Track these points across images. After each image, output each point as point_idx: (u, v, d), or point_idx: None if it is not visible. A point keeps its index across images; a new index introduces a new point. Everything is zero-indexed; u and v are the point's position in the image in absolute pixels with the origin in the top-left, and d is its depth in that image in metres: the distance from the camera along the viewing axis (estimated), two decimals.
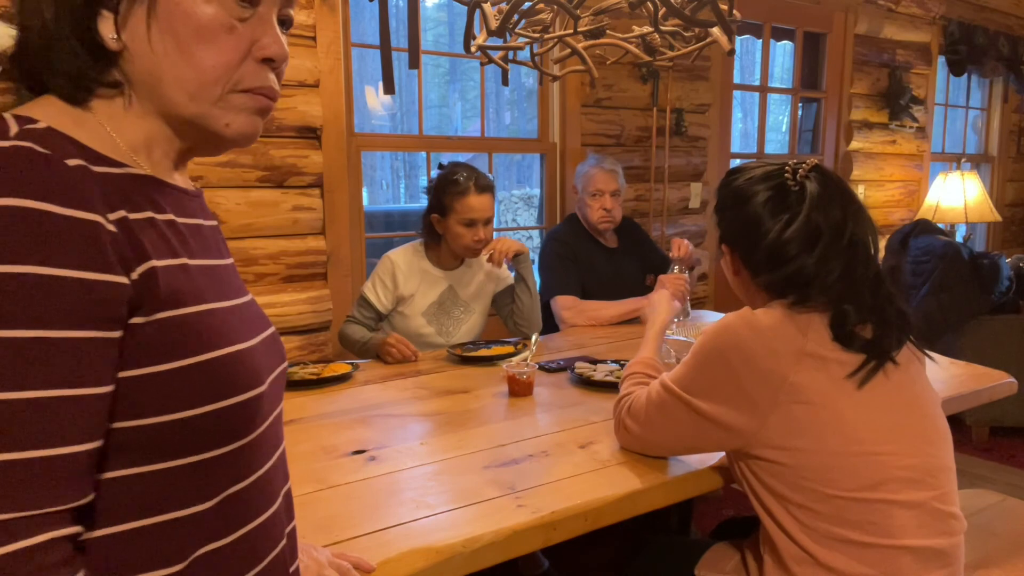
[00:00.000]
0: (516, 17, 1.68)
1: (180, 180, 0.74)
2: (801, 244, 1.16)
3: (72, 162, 0.59)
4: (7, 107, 0.61)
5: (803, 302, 1.15)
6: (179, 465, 0.63)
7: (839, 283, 1.14)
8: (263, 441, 0.72)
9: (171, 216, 0.69)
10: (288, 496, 0.79)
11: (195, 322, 0.65)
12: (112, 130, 0.67)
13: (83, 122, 0.66)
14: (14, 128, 0.59)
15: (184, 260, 0.67)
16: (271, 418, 0.75)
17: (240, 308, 0.74)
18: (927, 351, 1.24)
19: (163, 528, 0.63)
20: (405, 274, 2.24)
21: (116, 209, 0.61)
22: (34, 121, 0.60)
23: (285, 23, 0.73)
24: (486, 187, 2.21)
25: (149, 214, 0.66)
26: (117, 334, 0.59)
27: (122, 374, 0.60)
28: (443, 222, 2.21)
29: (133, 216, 0.63)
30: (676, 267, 2.42)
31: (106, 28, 0.64)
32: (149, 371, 0.61)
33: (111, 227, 0.59)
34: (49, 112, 0.64)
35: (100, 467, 0.60)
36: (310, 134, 2.49)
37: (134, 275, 0.60)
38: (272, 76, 0.70)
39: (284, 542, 0.76)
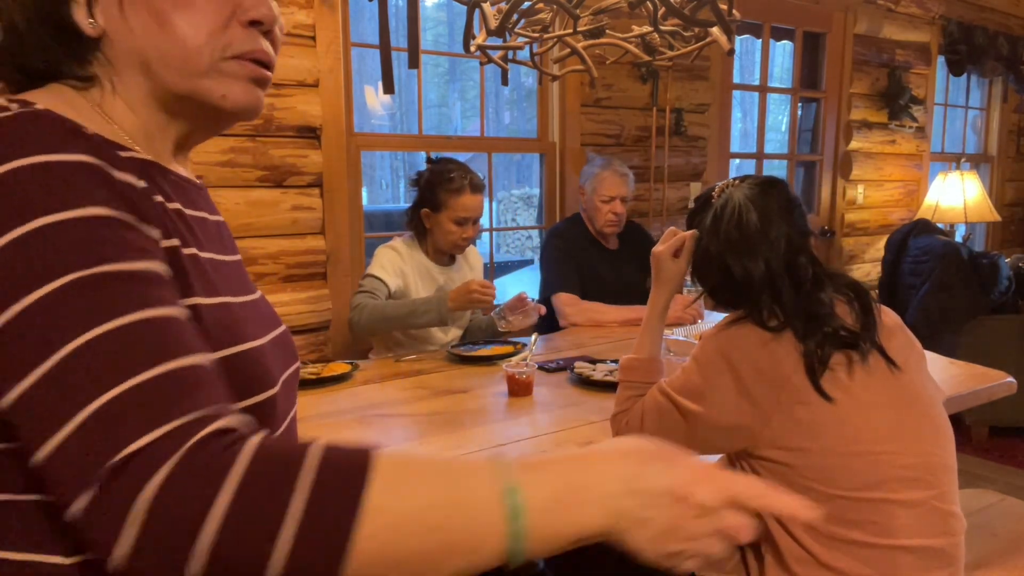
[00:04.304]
0: (515, 17, 1.68)
1: (182, 170, 0.71)
2: (697, 268, 1.35)
3: (89, 131, 0.56)
4: None
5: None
6: None
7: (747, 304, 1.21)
8: None
9: (178, 205, 0.66)
10: None
11: (208, 315, 0.61)
12: (107, 119, 0.64)
13: (79, 108, 0.62)
14: (14, 107, 0.55)
15: (194, 250, 0.64)
16: (286, 421, 0.72)
17: (249, 305, 0.71)
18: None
19: None
20: (407, 265, 2.23)
21: (140, 179, 0.59)
22: (31, 104, 0.57)
23: None
24: (480, 187, 2.24)
25: (160, 199, 0.62)
26: (169, 278, 0.56)
27: None
28: (434, 217, 2.22)
29: (153, 197, 0.61)
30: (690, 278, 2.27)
31: (80, 14, 0.61)
32: None
33: (141, 187, 0.57)
34: (42, 97, 0.60)
35: None
36: (309, 134, 2.49)
37: (163, 244, 0.58)
38: (264, 41, 0.67)
39: None
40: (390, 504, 0.50)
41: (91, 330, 0.49)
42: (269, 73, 0.68)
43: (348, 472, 0.50)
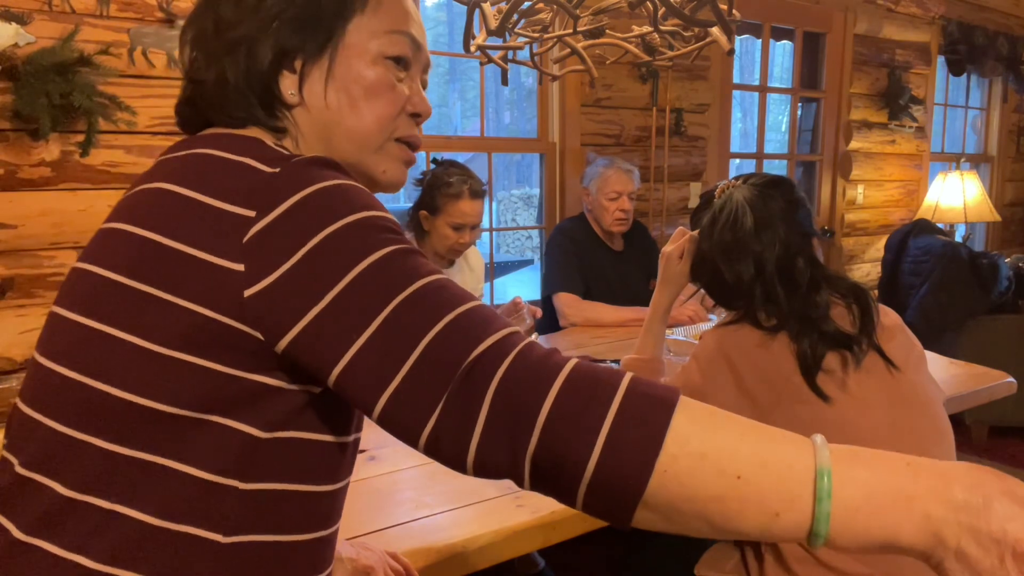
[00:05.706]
0: (516, 17, 1.68)
1: None
2: (694, 268, 1.38)
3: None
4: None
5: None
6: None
7: (746, 304, 1.22)
8: None
9: None
10: None
11: None
12: None
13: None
14: (286, 151, 0.67)
15: None
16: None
17: None
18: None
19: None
20: None
21: None
22: (293, 155, 0.67)
23: (423, 85, 0.83)
24: (479, 193, 2.21)
25: None
26: None
27: None
28: (431, 220, 2.21)
29: None
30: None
31: (287, 86, 0.73)
32: None
33: None
34: (267, 138, 0.70)
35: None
36: None
37: None
38: (417, 129, 0.81)
39: None
40: (696, 434, 0.54)
41: (411, 285, 0.60)
42: (415, 157, 0.81)
43: (656, 397, 0.56)
